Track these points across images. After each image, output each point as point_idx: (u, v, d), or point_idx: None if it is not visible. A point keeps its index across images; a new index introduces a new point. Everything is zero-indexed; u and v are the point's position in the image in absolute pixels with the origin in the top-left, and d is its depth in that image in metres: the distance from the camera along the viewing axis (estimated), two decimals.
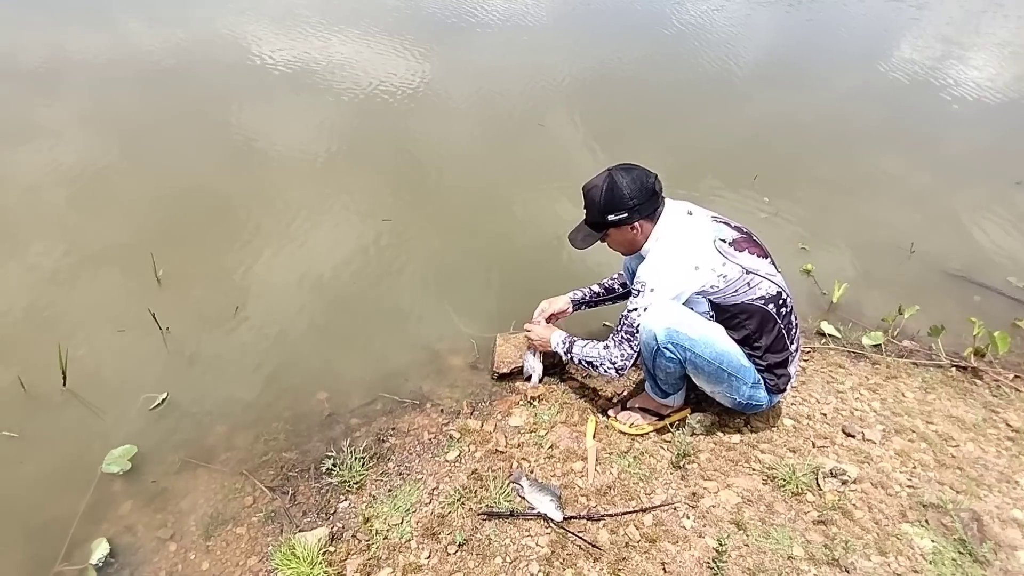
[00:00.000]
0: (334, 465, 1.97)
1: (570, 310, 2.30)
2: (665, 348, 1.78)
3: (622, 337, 1.87)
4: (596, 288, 2.32)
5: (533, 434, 2.08)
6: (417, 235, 3.07)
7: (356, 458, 1.98)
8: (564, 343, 2.06)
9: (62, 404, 2.15)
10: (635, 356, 1.89)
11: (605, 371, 1.93)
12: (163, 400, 2.18)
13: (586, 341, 2.02)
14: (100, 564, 1.72)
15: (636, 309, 1.82)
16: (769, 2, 7.13)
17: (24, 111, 3.70)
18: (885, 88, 5.35)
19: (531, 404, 2.20)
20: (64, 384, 2.17)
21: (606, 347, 1.92)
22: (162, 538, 1.81)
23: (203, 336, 2.45)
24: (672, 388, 1.99)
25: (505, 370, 2.32)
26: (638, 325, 1.82)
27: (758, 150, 4.14)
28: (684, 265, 1.77)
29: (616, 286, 2.30)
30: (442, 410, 2.22)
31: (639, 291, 1.81)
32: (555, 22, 5.97)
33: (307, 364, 2.39)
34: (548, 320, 2.26)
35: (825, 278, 2.97)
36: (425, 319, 2.64)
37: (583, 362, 1.99)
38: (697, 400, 2.15)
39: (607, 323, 2.58)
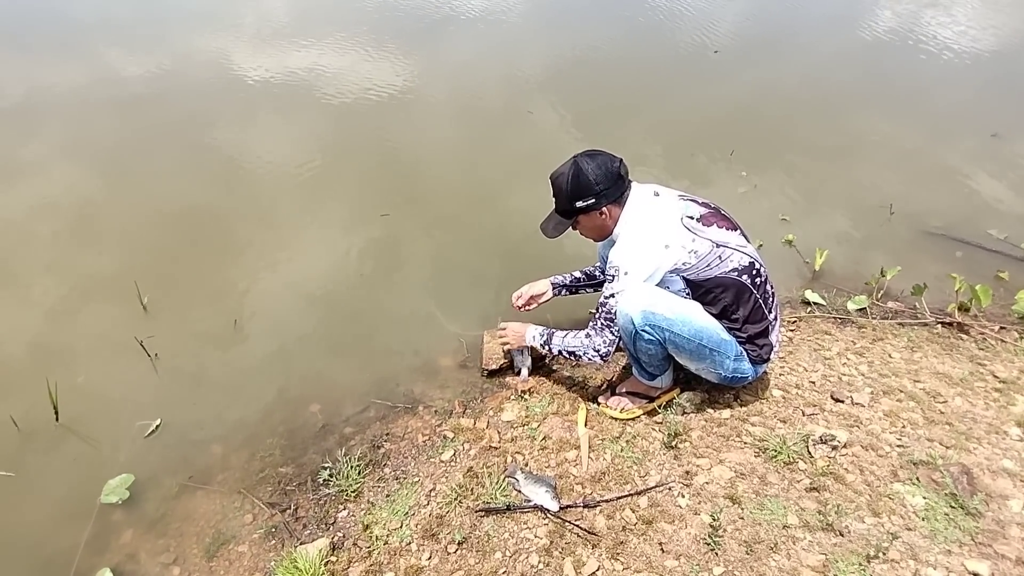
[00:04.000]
0: (331, 475, 1.98)
1: (550, 294, 2.30)
2: (643, 331, 1.79)
3: (602, 324, 1.88)
4: (577, 274, 2.33)
5: (525, 427, 2.09)
6: (403, 238, 3.07)
7: (352, 466, 2.00)
8: (541, 335, 2.07)
9: (56, 439, 2.15)
10: (617, 341, 1.91)
11: (589, 359, 1.94)
12: (157, 426, 2.18)
13: (566, 332, 2.02)
14: None
15: (612, 295, 1.83)
16: None
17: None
18: (860, 49, 5.32)
19: (522, 398, 2.22)
20: (57, 419, 2.17)
21: (587, 336, 1.93)
22: (165, 563, 1.82)
23: (192, 359, 2.45)
24: (658, 370, 2.00)
25: (494, 366, 2.33)
26: (616, 311, 1.83)
27: (735, 124, 4.11)
28: (654, 245, 1.78)
29: (597, 272, 2.31)
30: (435, 411, 2.24)
31: (613, 276, 1.82)
32: (530, 7, 5.94)
33: (298, 377, 2.39)
34: (528, 304, 2.27)
35: (807, 247, 2.98)
36: (412, 322, 2.65)
37: (565, 353, 2.00)
38: (686, 379, 2.16)
39: (592, 311, 2.58)
